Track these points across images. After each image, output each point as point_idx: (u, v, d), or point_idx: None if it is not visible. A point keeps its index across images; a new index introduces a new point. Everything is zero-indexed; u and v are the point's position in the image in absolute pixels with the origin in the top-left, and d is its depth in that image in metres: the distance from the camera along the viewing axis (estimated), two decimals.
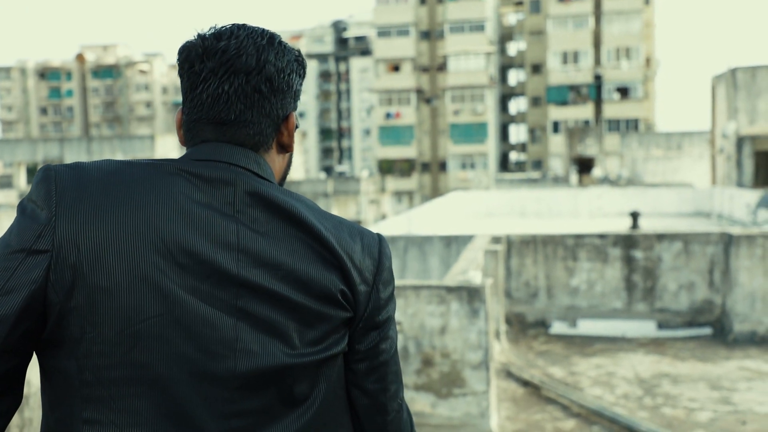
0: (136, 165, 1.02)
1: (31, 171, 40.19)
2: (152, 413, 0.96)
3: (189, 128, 1.10)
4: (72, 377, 0.98)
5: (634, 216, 15.18)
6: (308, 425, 1.02)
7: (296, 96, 1.13)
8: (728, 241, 8.41)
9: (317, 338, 1.01)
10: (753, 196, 19.07)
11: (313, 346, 1.01)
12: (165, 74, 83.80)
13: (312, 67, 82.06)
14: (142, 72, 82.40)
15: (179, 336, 0.97)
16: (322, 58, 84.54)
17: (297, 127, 1.15)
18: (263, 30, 1.11)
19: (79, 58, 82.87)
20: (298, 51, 1.15)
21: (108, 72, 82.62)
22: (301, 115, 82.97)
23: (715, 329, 8.56)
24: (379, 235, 1.15)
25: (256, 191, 1.03)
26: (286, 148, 1.13)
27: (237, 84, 1.05)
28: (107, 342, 0.96)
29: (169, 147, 30.93)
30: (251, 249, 1.00)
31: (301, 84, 1.13)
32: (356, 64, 77.18)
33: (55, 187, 0.98)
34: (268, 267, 1.00)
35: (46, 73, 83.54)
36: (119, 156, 30.51)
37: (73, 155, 30.62)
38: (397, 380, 1.12)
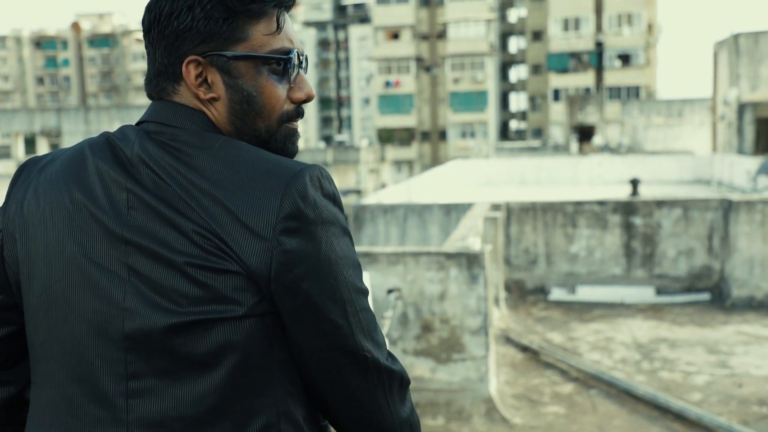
0: (77, 146, 1.08)
1: (29, 141, 40.02)
2: (61, 374, 1.00)
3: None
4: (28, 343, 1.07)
5: (634, 183, 15.17)
6: (216, 391, 0.95)
7: (195, 35, 1.01)
8: (728, 207, 8.41)
9: (203, 297, 0.94)
10: (753, 162, 19.02)
11: (199, 305, 0.94)
12: None
13: (310, 35, 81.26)
14: (139, 41, 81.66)
15: (80, 298, 0.99)
16: (320, 26, 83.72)
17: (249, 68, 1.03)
18: None
19: (75, 26, 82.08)
20: None
21: (104, 41, 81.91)
22: None
23: (713, 295, 8.61)
24: (299, 170, 0.98)
25: (143, 148, 1.00)
26: (196, 96, 1.03)
27: (144, 44, 1.08)
28: (32, 307, 1.03)
29: None
30: (137, 208, 0.98)
31: (204, 17, 1.01)
32: (355, 32, 76.44)
33: (16, 177, 1.08)
34: (152, 224, 0.97)
35: (41, 42, 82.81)
36: (117, 125, 30.36)
37: (71, 125, 30.50)
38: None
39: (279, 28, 1.05)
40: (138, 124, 1.06)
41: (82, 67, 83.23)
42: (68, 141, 30.59)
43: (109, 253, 0.98)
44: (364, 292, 1.02)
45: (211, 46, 1.01)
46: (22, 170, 1.09)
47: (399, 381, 1.05)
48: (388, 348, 1.06)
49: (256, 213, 0.95)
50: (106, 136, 1.05)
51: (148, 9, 1.05)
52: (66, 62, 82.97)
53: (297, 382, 1.01)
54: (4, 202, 1.08)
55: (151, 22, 1.04)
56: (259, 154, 0.99)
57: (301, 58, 1.08)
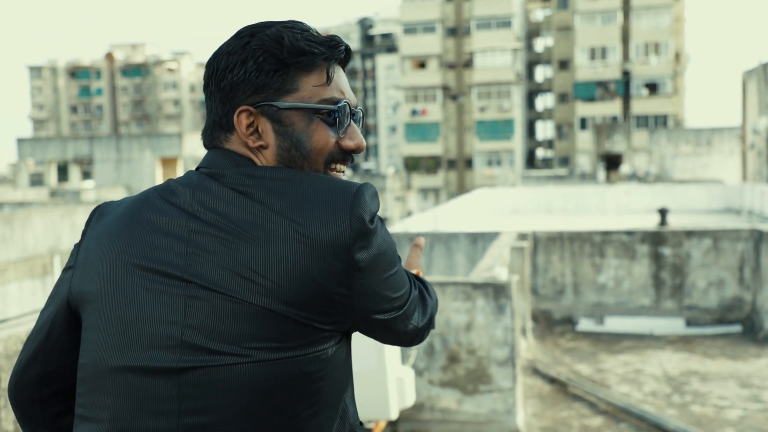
0: (136, 197, 1.13)
1: (61, 169, 40.77)
2: (114, 403, 1.02)
3: None
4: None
5: (663, 212, 15.01)
6: (266, 425, 0.99)
7: (258, 88, 1.07)
8: (758, 238, 8.29)
9: (267, 341, 0.99)
10: None
11: (261, 347, 0.99)
12: (192, 72, 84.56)
13: None
14: (170, 70, 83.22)
15: (132, 334, 1.02)
16: None
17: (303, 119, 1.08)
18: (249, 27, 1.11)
19: (109, 56, 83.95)
20: (259, 28, 1.09)
21: (137, 70, 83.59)
22: None
23: (744, 327, 8.46)
24: (358, 189, 1.05)
25: (203, 189, 1.05)
26: (246, 144, 1.09)
27: (204, 96, 1.15)
28: (87, 341, 1.07)
29: (196, 144, 31.23)
30: (198, 253, 1.02)
31: (256, 70, 1.06)
32: (382, 61, 77.17)
33: (90, 218, 1.16)
34: (212, 265, 1.00)
35: (76, 72, 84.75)
36: (147, 153, 30.86)
37: (103, 153, 31.05)
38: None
39: (329, 79, 1.10)
40: (197, 169, 1.12)
41: (114, 96, 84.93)
42: (100, 168, 31.10)
43: (168, 291, 1.02)
44: (400, 265, 1.10)
45: (262, 97, 1.07)
46: (95, 213, 1.16)
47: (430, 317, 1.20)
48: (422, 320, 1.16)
49: (330, 237, 1.00)
50: (168, 182, 1.11)
51: (208, 65, 1.12)
52: (99, 91, 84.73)
53: (351, 393, 1.10)
54: (79, 242, 1.15)
55: (209, 76, 1.11)
56: (311, 175, 1.05)
57: (353, 109, 1.13)
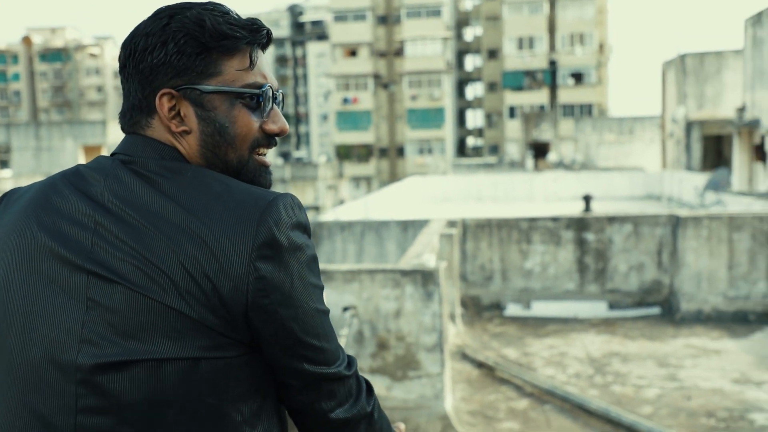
0: (48, 179, 1.09)
1: None
2: (15, 402, 1.00)
3: None
4: None
5: (587, 199, 15.47)
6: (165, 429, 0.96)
7: (180, 70, 1.04)
8: (676, 223, 8.63)
9: (160, 335, 0.95)
10: (701, 179, 19.58)
11: (156, 343, 0.95)
12: (116, 58, 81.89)
13: (268, 52, 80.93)
14: (93, 56, 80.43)
15: (38, 326, 0.99)
16: (278, 42, 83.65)
17: (221, 102, 1.05)
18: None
19: (26, 41, 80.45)
20: (178, 9, 1.05)
21: (56, 55, 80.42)
22: None
23: (663, 308, 8.80)
24: (273, 199, 1.00)
25: (116, 178, 1.02)
26: (169, 129, 1.05)
27: (120, 79, 1.11)
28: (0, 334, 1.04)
29: (120, 132, 30.33)
30: (103, 242, 0.99)
31: (177, 52, 1.03)
32: (313, 48, 76.60)
33: None
34: (117, 258, 0.97)
35: None
36: (69, 141, 29.80)
37: (21, 141, 29.79)
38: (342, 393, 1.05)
39: (252, 64, 1.07)
40: (112, 155, 1.08)
41: (33, 81, 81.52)
42: (18, 157, 29.85)
43: (69, 284, 0.98)
44: (327, 314, 1.05)
45: (184, 80, 1.04)
46: (2, 200, 1.12)
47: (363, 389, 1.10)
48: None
49: (232, 242, 0.96)
50: (78, 168, 1.07)
51: (124, 46, 1.07)
52: (16, 76, 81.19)
53: (253, 414, 1.01)
54: None
55: (127, 57, 1.06)
56: (231, 183, 1.01)
57: (275, 93, 1.11)
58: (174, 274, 0.96)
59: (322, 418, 1.05)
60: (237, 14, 1.09)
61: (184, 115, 1.05)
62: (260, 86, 1.07)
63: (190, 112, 1.04)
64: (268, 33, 1.11)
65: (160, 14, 1.06)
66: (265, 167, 1.11)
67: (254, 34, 1.07)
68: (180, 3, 1.08)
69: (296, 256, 0.99)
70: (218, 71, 1.05)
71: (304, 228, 1.01)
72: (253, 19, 1.09)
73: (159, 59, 1.03)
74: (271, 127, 1.09)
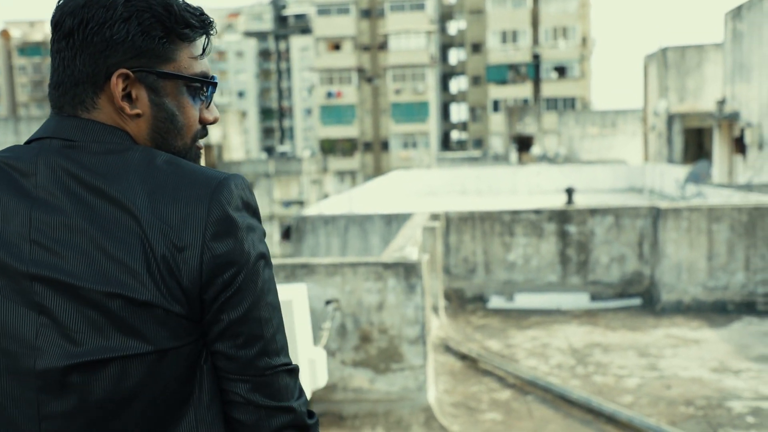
0: None
1: None
2: None
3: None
4: None
5: (569, 192, 15.56)
6: (129, 429, 0.95)
7: (138, 51, 1.00)
8: (656, 215, 8.71)
9: (116, 333, 0.92)
10: (682, 171, 19.75)
11: (113, 341, 0.92)
12: None
13: (251, 46, 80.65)
14: None
15: None
16: (261, 36, 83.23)
17: (172, 89, 1.04)
18: None
19: (4, 34, 79.44)
20: None
21: (35, 49, 79.47)
22: (241, 94, 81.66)
23: (644, 299, 8.89)
24: (224, 178, 0.98)
25: (58, 166, 0.96)
26: (122, 110, 1.01)
27: (57, 47, 1.01)
28: None
29: None
30: (44, 241, 0.94)
31: (141, 33, 1.00)
32: (296, 42, 76.28)
33: None
34: (61, 257, 0.93)
35: None
36: None
37: (0, 136, 29.46)
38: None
39: (204, 54, 1.08)
40: (33, 140, 1.02)
41: (11, 76, 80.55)
42: None
43: (14, 290, 0.94)
44: (275, 293, 1.04)
45: (142, 62, 1.01)
46: None
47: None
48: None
49: (185, 222, 0.94)
50: (15, 152, 1.00)
51: (72, 13, 1.00)
52: None
53: (212, 405, 1.00)
54: None
55: (77, 26, 0.99)
56: (181, 163, 1.00)
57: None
58: (128, 261, 0.93)
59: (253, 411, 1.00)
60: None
61: (136, 98, 1.02)
62: (211, 76, 1.08)
63: (143, 95, 1.02)
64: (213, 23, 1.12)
65: None
66: (199, 152, 1.11)
67: (207, 24, 1.08)
68: None
69: (249, 233, 0.98)
70: (174, 57, 1.03)
71: (254, 209, 1.01)
72: (200, 8, 1.09)
73: (120, 36, 0.98)
74: (208, 116, 1.10)
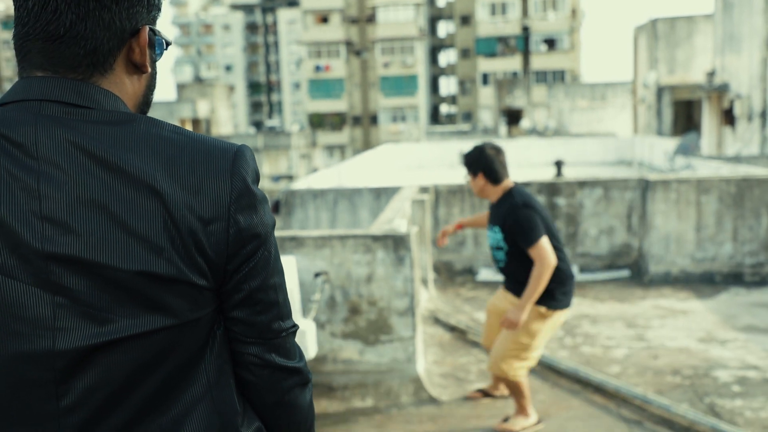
0: None
1: None
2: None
3: (19, 49, 0.97)
4: None
5: (558, 165, 15.56)
6: (150, 399, 0.94)
7: (151, 6, 0.99)
8: (645, 187, 8.72)
9: (140, 309, 0.91)
10: (671, 143, 19.78)
11: (137, 317, 0.90)
12: None
13: (238, 19, 79.74)
14: None
15: (5, 322, 0.89)
16: (248, 9, 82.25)
17: (162, 46, 1.03)
18: None
19: None
20: None
21: None
22: (228, 68, 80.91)
23: (632, 271, 8.93)
24: (238, 149, 0.97)
25: (61, 136, 0.89)
26: (140, 68, 0.99)
27: None
28: None
29: None
30: (55, 216, 0.88)
31: None
32: (284, 15, 75.47)
33: None
34: (78, 235, 0.88)
35: None
36: None
37: None
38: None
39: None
40: (19, 101, 0.92)
41: None
42: None
43: (24, 270, 0.88)
44: (281, 259, 1.07)
45: (153, 17, 1.00)
46: None
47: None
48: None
49: (208, 195, 0.92)
50: (9, 118, 0.91)
51: None
52: None
53: (223, 369, 1.01)
54: None
55: None
56: (188, 133, 0.96)
57: None
58: (152, 237, 0.89)
59: (270, 367, 1.04)
60: None
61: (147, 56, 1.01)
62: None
63: (150, 52, 1.01)
64: None
65: None
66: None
67: None
68: None
69: (263, 203, 0.99)
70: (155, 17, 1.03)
71: (259, 179, 1.02)
72: None
73: None
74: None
